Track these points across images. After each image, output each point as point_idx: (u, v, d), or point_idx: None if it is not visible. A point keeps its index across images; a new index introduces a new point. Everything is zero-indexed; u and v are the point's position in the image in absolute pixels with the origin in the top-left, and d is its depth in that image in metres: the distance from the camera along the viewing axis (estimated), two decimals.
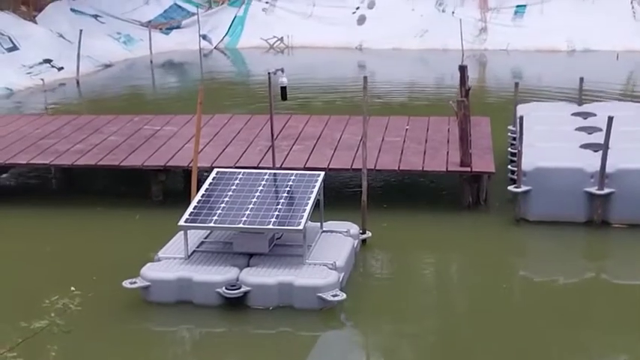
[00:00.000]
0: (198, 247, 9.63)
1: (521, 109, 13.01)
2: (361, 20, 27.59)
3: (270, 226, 9.16)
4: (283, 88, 11.05)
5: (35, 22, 24.45)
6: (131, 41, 26.16)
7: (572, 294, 9.43)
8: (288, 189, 9.81)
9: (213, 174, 10.24)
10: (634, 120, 12.94)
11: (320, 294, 8.70)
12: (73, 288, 5.43)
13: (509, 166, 12.09)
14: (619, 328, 8.55)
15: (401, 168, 11.88)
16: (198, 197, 9.75)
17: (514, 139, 12.37)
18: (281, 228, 9.19)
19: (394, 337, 8.70)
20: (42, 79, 21.37)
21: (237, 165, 11.80)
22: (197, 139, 10.57)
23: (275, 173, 10.33)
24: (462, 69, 12.00)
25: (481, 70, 24.01)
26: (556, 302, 9.11)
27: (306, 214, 9.24)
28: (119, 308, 8.97)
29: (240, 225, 9.20)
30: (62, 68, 22.39)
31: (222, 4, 29.02)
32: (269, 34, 27.32)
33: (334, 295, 8.72)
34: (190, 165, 11.16)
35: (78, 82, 21.74)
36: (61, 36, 24.00)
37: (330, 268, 9.03)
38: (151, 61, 24.66)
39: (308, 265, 9.11)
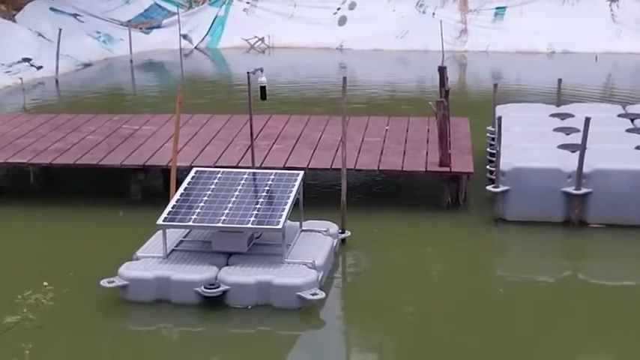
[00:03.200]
0: (177, 246, 9.61)
1: (500, 110, 13.09)
2: (342, 21, 27.63)
3: (249, 225, 9.15)
4: (263, 88, 11.03)
5: (14, 21, 24.26)
6: (111, 40, 26.04)
7: (550, 293, 9.49)
8: (267, 188, 9.81)
9: (192, 173, 10.22)
10: (611, 121, 13.06)
11: (299, 293, 8.71)
12: (45, 283, 5.40)
13: (487, 167, 12.15)
14: (596, 327, 8.63)
15: (380, 168, 11.91)
16: (176, 196, 9.73)
17: (493, 139, 12.43)
18: (260, 227, 9.19)
19: (374, 335, 8.72)
20: (20, 78, 21.21)
21: (216, 164, 11.79)
22: (176, 138, 10.54)
23: (254, 173, 10.32)
24: (442, 70, 12.08)
25: (461, 72, 24.10)
26: (533, 301, 9.17)
27: (285, 214, 9.25)
28: (97, 306, 8.94)
29: (219, 224, 9.19)
30: (41, 67, 22.22)
31: (202, 3, 28.94)
32: (250, 34, 27.28)
33: (313, 294, 8.74)
34: (169, 164, 11.13)
35: (57, 81, 21.60)
36: (40, 35, 23.83)
37: (310, 267, 9.05)
38: (131, 61, 24.55)
39: (287, 264, 9.11)
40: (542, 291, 9.56)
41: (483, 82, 21.64)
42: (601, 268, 10.35)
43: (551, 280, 9.95)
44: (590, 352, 8.40)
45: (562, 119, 13.18)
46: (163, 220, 9.31)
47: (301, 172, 10.14)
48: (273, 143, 12.94)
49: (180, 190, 9.85)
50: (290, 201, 9.48)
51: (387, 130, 13.53)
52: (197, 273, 8.93)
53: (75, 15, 26.24)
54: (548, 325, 8.54)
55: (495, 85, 13.42)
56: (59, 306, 7.44)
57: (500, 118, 11.42)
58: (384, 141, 12.94)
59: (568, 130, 12.50)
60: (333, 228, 10.24)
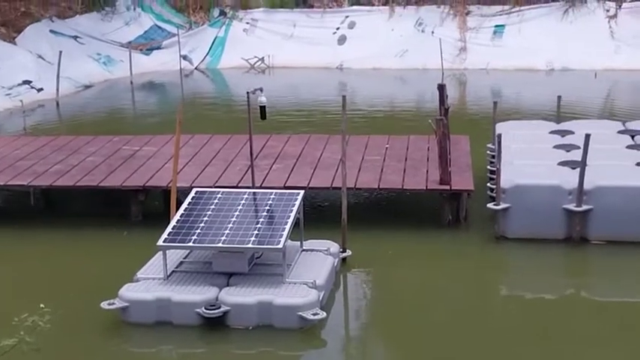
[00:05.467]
0: (177, 267, 9.58)
1: (500, 127, 13.09)
2: (342, 40, 27.74)
3: (250, 245, 9.13)
4: (262, 108, 11.05)
5: (15, 44, 24.38)
6: (111, 62, 26.14)
7: (552, 310, 9.43)
8: (267, 208, 9.79)
9: (192, 193, 10.21)
10: (611, 137, 13.05)
11: (300, 313, 8.67)
12: (42, 305, 5.36)
13: (488, 184, 12.14)
14: (599, 344, 8.57)
15: (381, 186, 11.90)
16: (177, 217, 9.71)
17: (493, 157, 12.43)
18: (260, 247, 9.16)
19: (376, 354, 8.68)
20: (21, 101, 21.29)
21: (216, 185, 11.78)
22: (176, 158, 10.54)
23: (254, 192, 10.31)
24: (441, 88, 12.09)
25: (461, 89, 24.16)
26: (535, 319, 9.11)
27: (285, 233, 9.22)
28: (97, 329, 8.89)
29: (220, 244, 9.17)
30: (42, 89, 22.31)
31: (202, 24, 29.09)
32: (250, 54, 27.39)
33: (314, 314, 8.69)
34: (169, 185, 11.12)
35: (57, 103, 21.67)
36: (40, 57, 23.94)
37: (310, 287, 9.01)
38: (132, 82, 24.63)
39: (288, 284, 9.08)
40: (544, 308, 9.51)
41: (483, 99, 21.67)
42: (603, 285, 10.31)
43: (554, 298, 9.90)
44: None
45: (562, 136, 13.18)
46: (163, 241, 9.29)
47: (301, 192, 10.12)
48: (273, 163, 12.94)
49: (181, 210, 9.83)
50: (290, 220, 9.46)
51: (387, 148, 13.53)
52: (198, 294, 8.90)
53: (75, 37, 26.37)
54: (550, 343, 8.48)
55: (495, 103, 13.44)
56: (58, 328, 7.41)
57: (500, 136, 11.42)
58: (384, 159, 12.94)
59: (568, 147, 12.49)
60: (334, 247, 10.21)
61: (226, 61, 27.58)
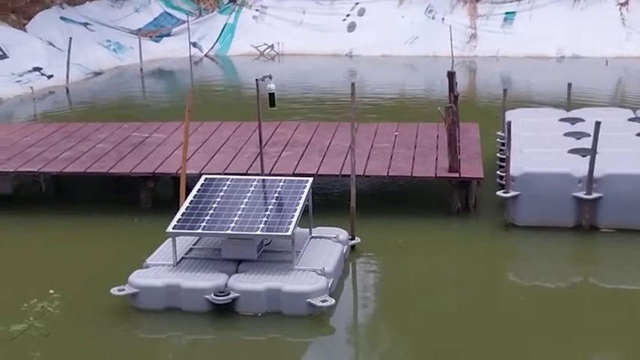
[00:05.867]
0: (186, 253, 9.61)
1: (510, 115, 13.06)
2: (351, 27, 27.64)
3: (259, 232, 9.14)
4: (271, 95, 11.03)
5: (25, 31, 24.39)
6: (121, 49, 26.14)
7: (561, 299, 9.43)
8: (276, 195, 9.80)
9: (201, 180, 10.23)
10: (621, 125, 13.00)
11: (309, 300, 8.69)
12: (51, 291, 5.39)
13: (498, 172, 12.11)
14: (608, 332, 8.57)
15: (390, 174, 11.89)
16: (186, 204, 9.74)
17: (503, 144, 12.40)
18: (269, 234, 9.18)
19: (384, 342, 8.70)
20: (31, 87, 21.31)
21: (225, 172, 11.80)
22: (185, 145, 10.56)
23: (263, 179, 10.32)
24: (451, 75, 12.06)
25: (471, 77, 24.08)
26: (545, 307, 9.12)
27: (294, 220, 9.24)
28: (106, 315, 8.94)
29: (229, 231, 9.19)
30: (52, 76, 22.33)
31: (212, 11, 29.03)
32: (259, 41, 27.34)
33: (323, 301, 8.72)
34: (179, 172, 11.14)
35: (67, 90, 21.70)
36: (50, 44, 23.95)
37: (319, 274, 9.03)
38: (141, 69, 24.63)
39: (297, 271, 9.10)
40: (554, 296, 9.51)
41: (493, 87, 21.59)
42: (613, 273, 10.29)
43: (563, 286, 9.90)
44: (601, 357, 8.34)
45: (572, 124, 13.14)
46: (173, 228, 9.32)
47: (310, 179, 10.13)
48: (283, 150, 12.94)
49: (190, 197, 9.85)
50: (299, 207, 9.47)
51: (396, 136, 13.51)
52: (207, 280, 8.93)
53: (85, 24, 26.36)
54: (559, 331, 8.49)
55: (505, 90, 13.39)
56: (67, 314, 7.45)
57: (509, 123, 11.39)
58: (393, 147, 12.92)
59: (578, 135, 12.45)
60: (343, 234, 10.22)
61: (236, 48, 27.54)
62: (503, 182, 11.34)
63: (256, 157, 12.10)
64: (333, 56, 26.28)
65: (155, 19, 28.60)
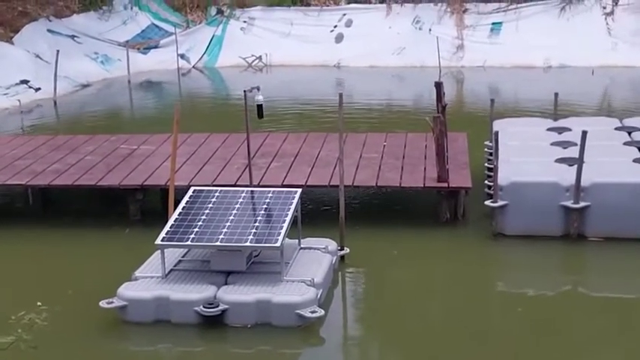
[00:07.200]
0: (175, 265, 9.59)
1: (497, 125, 13.11)
2: (339, 38, 27.74)
3: (248, 244, 9.14)
4: (259, 106, 11.05)
5: (12, 43, 24.36)
6: (109, 61, 26.14)
7: (550, 307, 9.45)
8: (265, 206, 9.80)
9: (190, 192, 10.22)
10: (608, 134, 13.07)
11: (298, 311, 8.68)
12: (39, 303, 5.37)
13: (486, 181, 12.15)
14: (596, 341, 8.59)
15: (378, 184, 11.91)
16: (175, 216, 9.72)
17: (491, 154, 12.44)
18: (258, 245, 9.17)
19: (374, 352, 8.69)
20: (19, 100, 21.26)
21: (214, 183, 11.78)
22: (173, 157, 10.55)
23: (252, 191, 10.32)
24: (438, 85, 12.08)
25: (458, 87, 24.17)
26: (534, 316, 9.13)
27: (283, 231, 9.23)
28: (95, 327, 8.90)
29: (218, 243, 9.18)
30: (39, 89, 22.29)
31: (200, 23, 29.07)
32: (247, 52, 27.39)
33: (313, 312, 8.71)
34: (167, 183, 11.13)
35: (55, 103, 21.65)
36: (37, 56, 23.92)
37: (309, 285, 9.02)
38: (129, 81, 24.63)
39: (286, 282, 9.09)
40: (542, 305, 9.53)
41: (480, 97, 21.67)
42: (601, 282, 10.32)
43: (552, 294, 9.92)
44: None
45: (559, 133, 13.20)
46: (161, 240, 9.29)
47: (299, 190, 10.13)
48: (271, 161, 12.95)
49: (179, 209, 9.84)
50: (288, 218, 9.47)
51: (384, 146, 13.54)
52: (196, 292, 8.91)
53: (72, 36, 26.35)
54: (549, 340, 8.51)
55: (492, 100, 13.45)
56: (56, 327, 7.40)
57: (497, 133, 11.44)
58: (381, 157, 12.95)
59: (565, 144, 12.51)
60: (332, 245, 10.22)
61: (224, 59, 27.58)
62: (492, 192, 11.37)
63: (245, 169, 12.11)
64: (321, 67, 26.35)
65: (143, 31, 28.62)
